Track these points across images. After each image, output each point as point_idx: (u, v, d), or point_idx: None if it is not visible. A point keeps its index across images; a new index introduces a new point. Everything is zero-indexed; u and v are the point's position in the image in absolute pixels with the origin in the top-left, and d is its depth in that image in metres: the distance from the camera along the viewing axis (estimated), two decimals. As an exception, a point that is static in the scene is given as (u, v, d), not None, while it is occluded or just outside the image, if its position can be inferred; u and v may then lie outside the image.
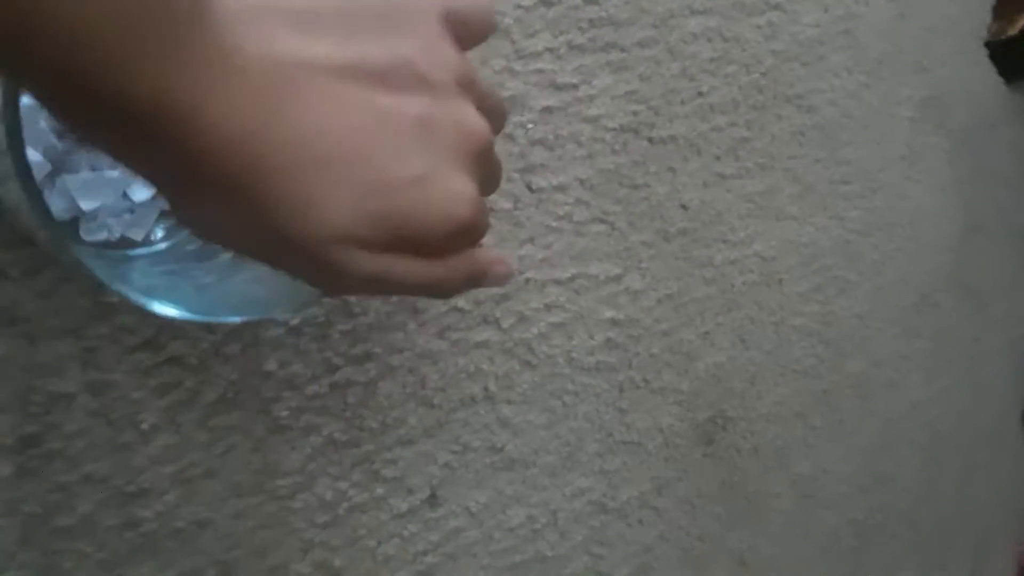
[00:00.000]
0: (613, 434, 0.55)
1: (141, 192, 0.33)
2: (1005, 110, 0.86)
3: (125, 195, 0.32)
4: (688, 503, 0.60)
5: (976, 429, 0.92)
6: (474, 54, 0.44)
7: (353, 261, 0.22)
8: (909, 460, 0.82)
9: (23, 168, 0.21)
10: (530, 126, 0.47)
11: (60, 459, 0.34)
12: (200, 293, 0.29)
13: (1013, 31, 0.79)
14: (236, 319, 0.28)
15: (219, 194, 0.20)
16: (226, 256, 0.32)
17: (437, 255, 0.25)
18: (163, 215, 0.34)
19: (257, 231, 0.21)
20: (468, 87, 0.25)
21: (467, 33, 0.26)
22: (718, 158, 0.58)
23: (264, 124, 0.20)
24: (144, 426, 0.36)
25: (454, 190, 0.24)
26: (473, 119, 0.25)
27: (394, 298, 0.43)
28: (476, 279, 0.28)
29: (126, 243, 0.33)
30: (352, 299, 0.41)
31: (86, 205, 0.31)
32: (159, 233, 0.34)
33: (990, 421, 0.95)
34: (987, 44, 0.80)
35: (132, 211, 0.33)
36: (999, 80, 0.83)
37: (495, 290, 0.47)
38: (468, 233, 0.25)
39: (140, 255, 0.33)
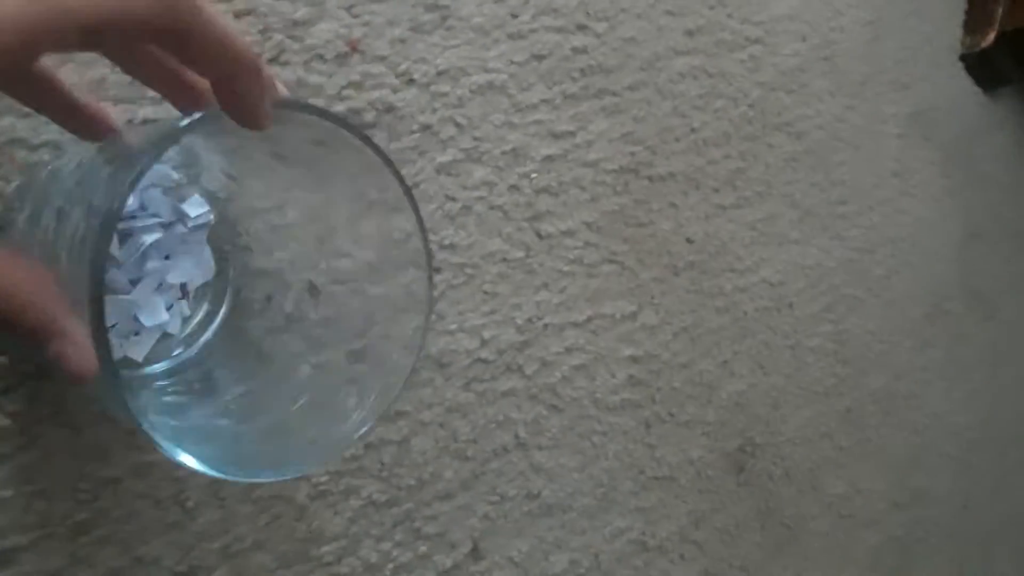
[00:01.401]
0: (645, 471, 0.55)
1: (150, 316, 0.34)
2: (988, 118, 0.88)
3: (135, 318, 0.33)
4: (727, 534, 0.60)
5: (1003, 433, 0.91)
6: (475, 110, 0.46)
7: None
8: (941, 471, 0.82)
9: (104, 341, 0.22)
10: (534, 175, 0.49)
11: (111, 544, 0.34)
12: (217, 440, 0.30)
13: (986, 43, 0.81)
14: (258, 479, 0.28)
15: None
16: (231, 391, 0.33)
17: None
18: (165, 337, 0.35)
19: None
20: None
21: None
22: (717, 190, 0.59)
23: None
24: (189, 504, 0.36)
25: None
26: None
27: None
28: None
29: (127, 363, 0.34)
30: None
31: None
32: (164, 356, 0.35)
33: (1016, 424, 0.94)
34: (962, 57, 0.82)
35: (138, 333, 0.34)
36: (978, 90, 0.85)
37: (516, 338, 0.48)
38: None
39: (142, 376, 0.34)
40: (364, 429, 0.30)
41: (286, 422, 0.32)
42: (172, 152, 0.33)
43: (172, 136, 0.24)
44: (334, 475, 0.41)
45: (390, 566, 0.43)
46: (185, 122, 0.24)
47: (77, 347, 0.22)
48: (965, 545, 0.85)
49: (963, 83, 0.85)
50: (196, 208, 0.36)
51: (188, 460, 0.25)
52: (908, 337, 0.77)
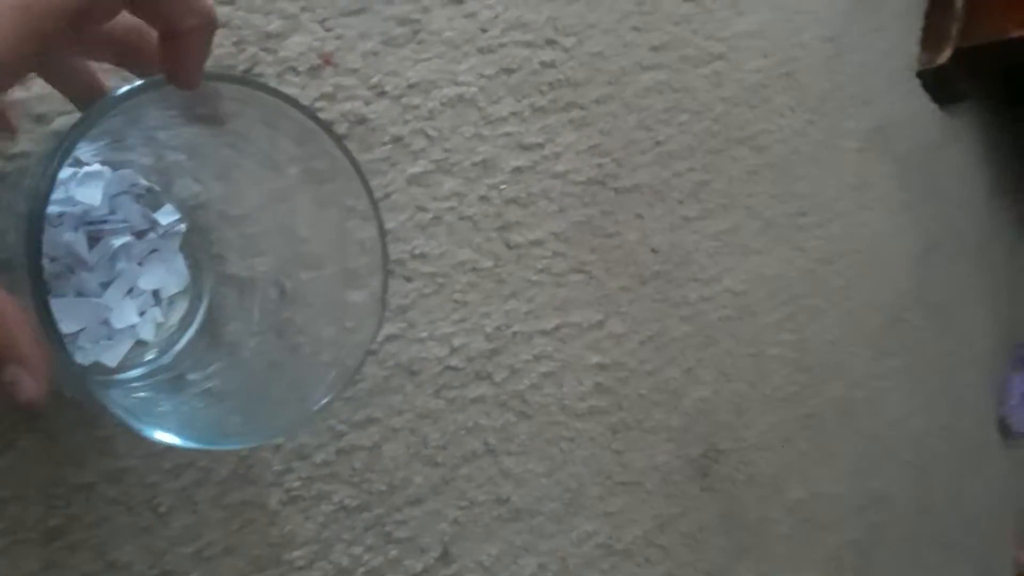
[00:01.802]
0: (612, 476, 0.56)
1: (121, 320, 0.34)
2: (944, 134, 0.91)
3: (106, 322, 0.34)
4: (691, 538, 0.61)
5: (959, 440, 0.94)
6: (445, 123, 0.47)
7: None
8: (899, 477, 0.84)
9: (51, 327, 0.22)
10: (503, 187, 0.50)
11: (84, 549, 0.35)
12: (184, 424, 0.31)
13: (942, 60, 0.84)
14: (223, 447, 0.29)
15: None
16: (200, 387, 0.34)
17: None
18: (139, 344, 0.35)
19: None
20: None
21: None
22: (681, 202, 0.61)
23: None
24: (162, 509, 0.37)
25: None
26: None
27: (389, 362, 0.45)
28: None
29: (99, 369, 0.34)
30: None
31: (67, 328, 0.33)
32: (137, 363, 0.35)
33: (971, 431, 0.97)
34: (919, 74, 0.85)
35: (110, 338, 0.34)
36: (935, 106, 0.88)
37: (485, 346, 0.49)
38: None
39: (114, 379, 0.34)
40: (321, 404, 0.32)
41: (248, 410, 0.33)
42: (125, 128, 0.33)
43: (110, 102, 0.24)
44: (306, 480, 0.41)
45: (361, 570, 0.43)
46: (124, 88, 0.25)
47: (35, 375, 0.22)
48: (922, 548, 0.87)
49: (920, 99, 0.88)
50: (168, 216, 0.36)
51: (161, 436, 0.26)
52: (866, 347, 0.79)
